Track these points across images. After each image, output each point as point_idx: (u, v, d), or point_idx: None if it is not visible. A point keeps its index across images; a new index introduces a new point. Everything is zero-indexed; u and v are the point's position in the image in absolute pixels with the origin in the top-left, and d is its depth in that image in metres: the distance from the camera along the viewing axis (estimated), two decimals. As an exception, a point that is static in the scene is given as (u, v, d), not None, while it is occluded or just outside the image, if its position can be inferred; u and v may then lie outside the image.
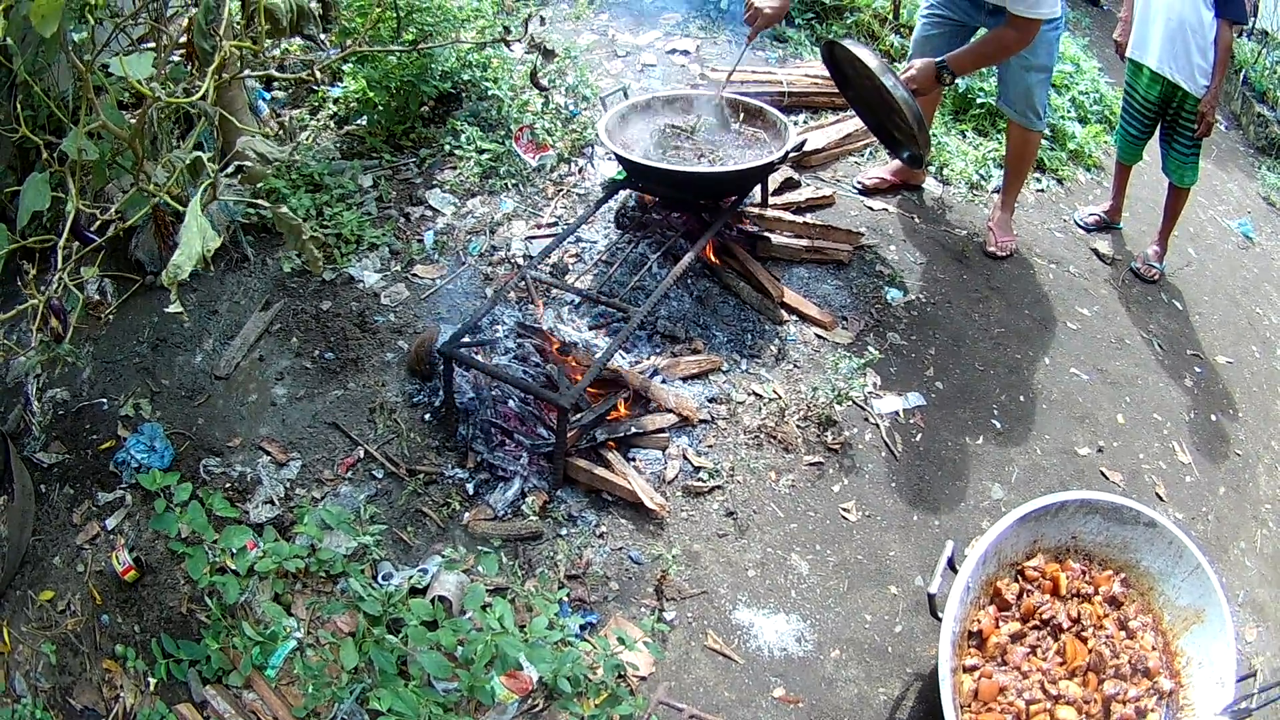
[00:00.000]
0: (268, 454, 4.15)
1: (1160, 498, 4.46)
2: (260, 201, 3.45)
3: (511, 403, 4.13)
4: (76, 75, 4.41)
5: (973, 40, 4.52)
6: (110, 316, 4.71)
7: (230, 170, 3.82)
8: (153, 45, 4.46)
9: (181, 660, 3.57)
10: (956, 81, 4.57)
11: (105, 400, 4.41)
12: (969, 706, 3.36)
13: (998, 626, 3.52)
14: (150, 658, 3.60)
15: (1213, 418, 4.99)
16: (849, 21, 6.82)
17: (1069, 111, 6.52)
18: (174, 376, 4.47)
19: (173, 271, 2.87)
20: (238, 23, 4.02)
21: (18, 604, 3.87)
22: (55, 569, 3.94)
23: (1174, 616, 3.60)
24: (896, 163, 5.64)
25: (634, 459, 4.08)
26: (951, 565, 3.48)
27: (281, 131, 5.61)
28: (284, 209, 3.24)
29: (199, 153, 3.27)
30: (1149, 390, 4.97)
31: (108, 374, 4.51)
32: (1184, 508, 4.48)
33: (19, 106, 4.86)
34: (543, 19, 3.90)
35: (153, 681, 3.58)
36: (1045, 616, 3.56)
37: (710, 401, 4.32)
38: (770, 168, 4.73)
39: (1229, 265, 5.46)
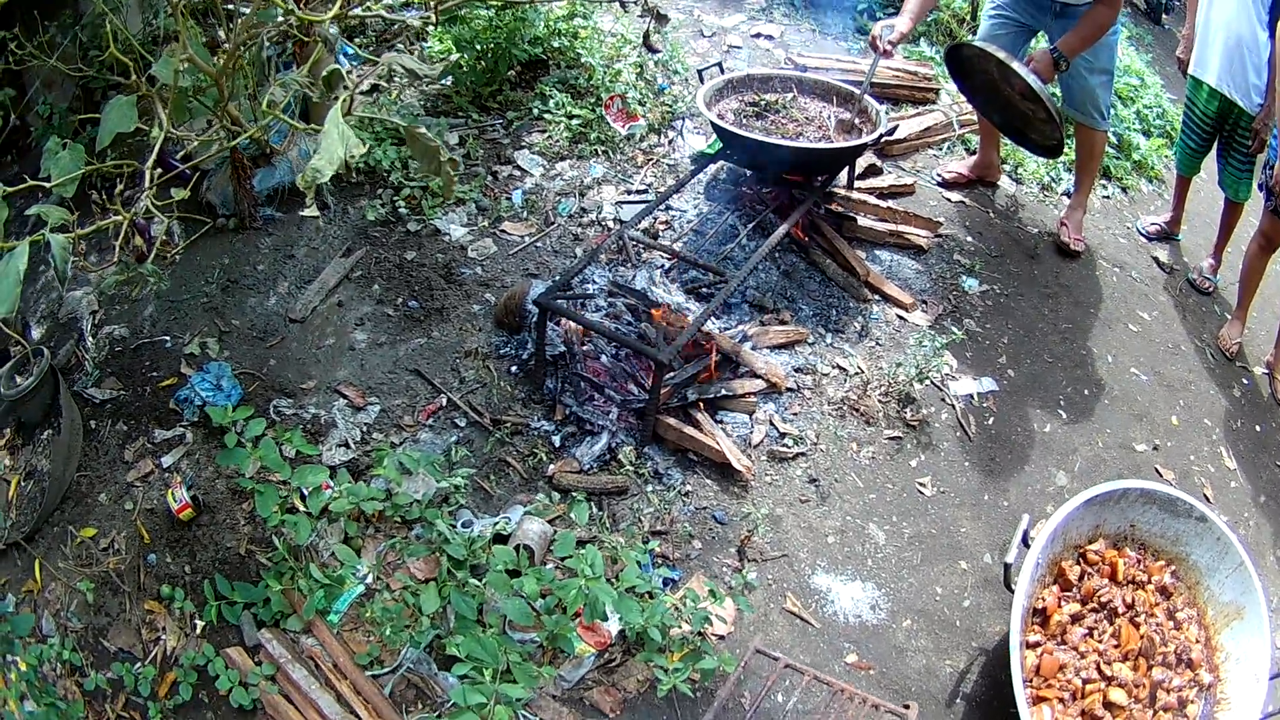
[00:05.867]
0: (344, 397, 4.19)
1: (1208, 499, 4.58)
2: (397, 120, 3.48)
3: (603, 358, 4.23)
4: (164, 13, 4.45)
5: (1072, 26, 4.65)
6: (177, 257, 4.71)
7: (366, 88, 3.81)
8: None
9: (235, 603, 3.55)
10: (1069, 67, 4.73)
11: (168, 338, 4.43)
12: (1031, 681, 3.49)
13: (1060, 606, 3.65)
14: (200, 599, 3.58)
15: (1257, 428, 5.12)
16: (929, 20, 6.94)
17: (1134, 124, 6.65)
18: (245, 318, 4.50)
19: (311, 174, 2.88)
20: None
21: (55, 540, 3.86)
22: (100, 506, 3.93)
23: (1217, 612, 3.74)
24: (974, 159, 5.79)
25: (721, 421, 4.19)
26: (1025, 540, 3.60)
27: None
28: (420, 129, 3.27)
29: (336, 65, 3.29)
30: (1200, 396, 5.10)
31: (171, 312, 4.53)
32: (1228, 511, 4.60)
33: (88, 44, 4.92)
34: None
35: (200, 624, 3.55)
36: (1103, 600, 3.68)
37: (796, 371, 4.44)
38: (862, 149, 4.85)
39: (1278, 284, 5.60)
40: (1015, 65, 4.42)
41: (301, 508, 3.64)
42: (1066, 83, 5.17)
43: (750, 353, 4.34)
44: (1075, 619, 3.65)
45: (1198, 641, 3.70)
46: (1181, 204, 6.02)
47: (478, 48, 5.54)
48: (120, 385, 4.30)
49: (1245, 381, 5.35)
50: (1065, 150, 5.13)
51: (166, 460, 4.02)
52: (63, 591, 3.72)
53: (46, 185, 3.28)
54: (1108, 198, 6.23)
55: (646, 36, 4.39)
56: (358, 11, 4.73)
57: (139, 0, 4.69)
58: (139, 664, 3.52)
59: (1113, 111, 5.54)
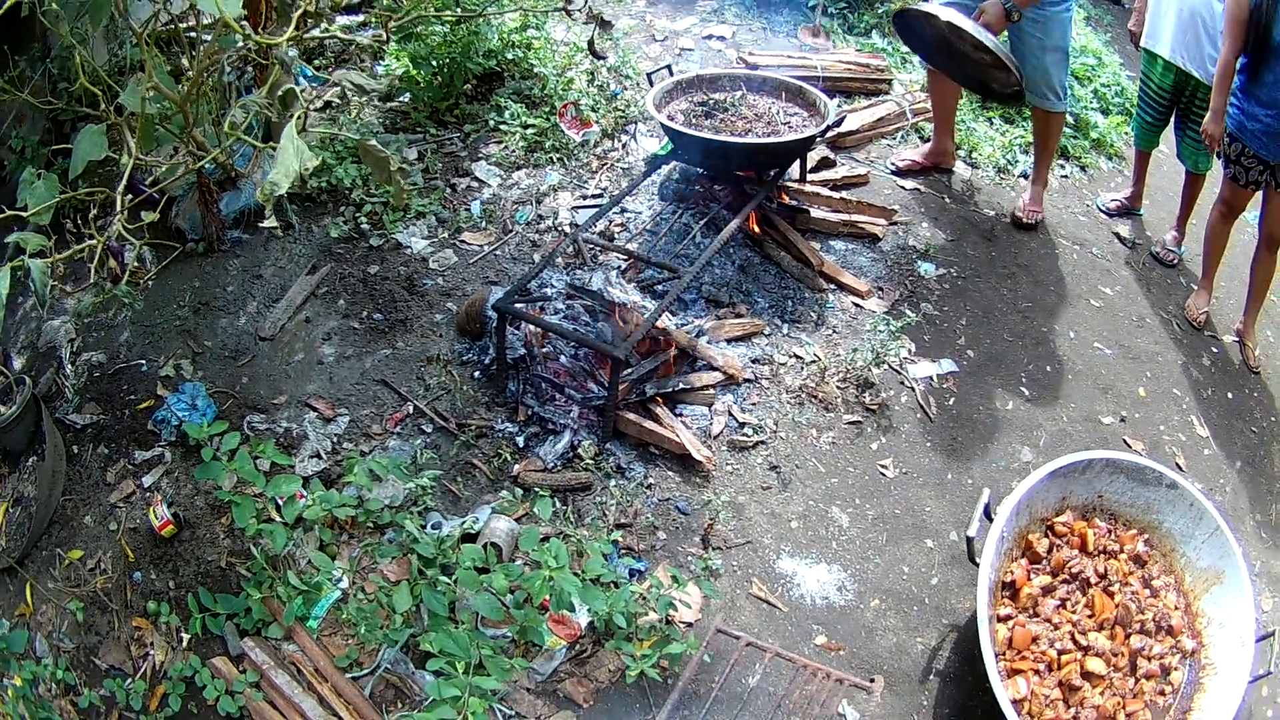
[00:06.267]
0: (314, 410, 4.26)
1: (1180, 468, 4.60)
2: (353, 136, 3.57)
3: (562, 359, 4.29)
4: (129, 43, 4.52)
5: None
6: (149, 282, 4.79)
7: (319, 106, 3.92)
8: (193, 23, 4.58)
9: (218, 614, 3.63)
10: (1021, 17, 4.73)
11: (144, 362, 4.49)
12: (1004, 654, 3.51)
13: (1029, 579, 3.69)
14: (185, 613, 3.65)
15: (1229, 396, 5.14)
16: (880, 11, 7.02)
17: (1092, 102, 6.68)
18: (216, 338, 4.57)
19: (268, 188, 2.97)
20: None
21: (44, 564, 3.93)
22: (86, 528, 4.00)
23: (1195, 577, 3.75)
24: (928, 146, 5.82)
25: (681, 414, 4.23)
26: (988, 514, 3.63)
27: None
28: (371, 142, 3.36)
29: (291, 85, 3.39)
30: (1168, 367, 5.12)
31: (146, 337, 4.60)
32: (1202, 479, 4.62)
33: (57, 77, 5.00)
34: (602, -11, 4.06)
35: (186, 637, 3.62)
36: (1074, 570, 3.71)
37: (754, 362, 4.48)
38: (811, 141, 4.90)
39: (1245, 255, 5.61)
40: (960, 21, 4.41)
41: (277, 517, 3.71)
42: (1020, 63, 5.19)
43: (707, 346, 4.39)
44: (1046, 591, 3.69)
45: (1177, 608, 3.73)
46: (1142, 179, 6.04)
47: (434, 64, 5.62)
48: (100, 410, 4.37)
49: (1215, 350, 5.37)
50: (1027, 99, 5.11)
51: (147, 480, 4.09)
52: (54, 613, 3.79)
53: (24, 214, 3.37)
54: (1066, 177, 6.26)
55: (591, 43, 4.45)
56: (316, 33, 4.83)
57: (104, 31, 4.78)
58: (130, 679, 3.59)
59: (1069, 92, 5.57)
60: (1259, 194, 4.99)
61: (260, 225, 4.46)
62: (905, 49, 6.76)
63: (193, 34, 4.69)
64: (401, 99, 5.86)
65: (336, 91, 5.74)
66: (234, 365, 4.46)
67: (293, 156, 3.15)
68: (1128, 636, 3.61)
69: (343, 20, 6.31)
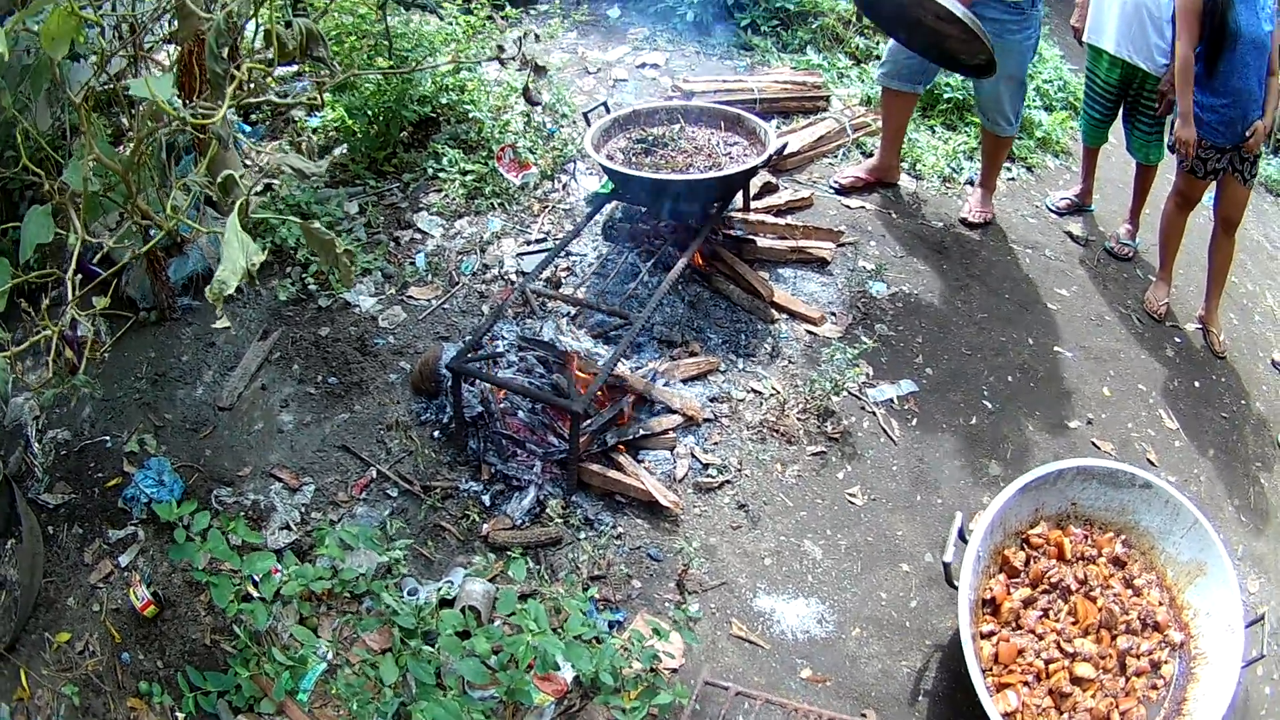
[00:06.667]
0: (279, 480, 4.19)
1: (1152, 463, 4.60)
2: (292, 218, 3.52)
3: (520, 414, 4.23)
4: (70, 108, 4.44)
5: None
6: (105, 355, 4.69)
7: (261, 189, 3.85)
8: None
9: (209, 692, 3.56)
10: None
11: (108, 438, 4.40)
12: (991, 670, 3.52)
13: (1009, 593, 3.69)
14: (176, 692, 3.59)
15: (1196, 384, 5.14)
16: (814, 26, 7.00)
17: (1034, 100, 6.69)
18: (176, 410, 4.49)
19: (217, 287, 2.92)
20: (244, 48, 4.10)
21: (34, 648, 3.84)
22: (70, 610, 3.91)
23: (1177, 572, 3.77)
24: (871, 161, 5.80)
25: (644, 460, 4.18)
26: (961, 536, 3.62)
27: (304, 150, 5.67)
28: (315, 224, 3.30)
29: (231, 171, 3.34)
30: (1132, 363, 5.12)
31: (108, 412, 4.52)
32: (1176, 471, 4.63)
33: (6, 145, 4.92)
34: (537, 36, 4.02)
35: (180, 716, 3.56)
36: (1054, 580, 3.72)
37: (712, 401, 4.44)
38: (753, 171, 4.85)
39: (1201, 239, 5.61)
40: None
41: (255, 594, 3.66)
42: (974, 86, 5.16)
43: (663, 389, 4.34)
44: (1027, 603, 3.69)
45: (1161, 604, 3.74)
46: (1091, 174, 6.04)
47: (369, 113, 5.55)
48: (70, 489, 4.27)
49: (1178, 340, 5.38)
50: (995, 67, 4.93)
51: (123, 559, 4.01)
52: (50, 697, 3.70)
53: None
54: (1013, 179, 6.26)
55: (526, 90, 4.40)
56: (252, 100, 4.77)
57: (47, 95, 4.70)
58: (132, 762, 3.54)
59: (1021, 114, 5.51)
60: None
61: (214, 325, 4.40)
62: (842, 64, 6.76)
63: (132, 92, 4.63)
64: (339, 150, 5.79)
65: (271, 169, 5.67)
66: (196, 437, 4.39)
67: (239, 251, 3.11)
68: (1114, 638, 3.62)
69: (278, 71, 6.23)
